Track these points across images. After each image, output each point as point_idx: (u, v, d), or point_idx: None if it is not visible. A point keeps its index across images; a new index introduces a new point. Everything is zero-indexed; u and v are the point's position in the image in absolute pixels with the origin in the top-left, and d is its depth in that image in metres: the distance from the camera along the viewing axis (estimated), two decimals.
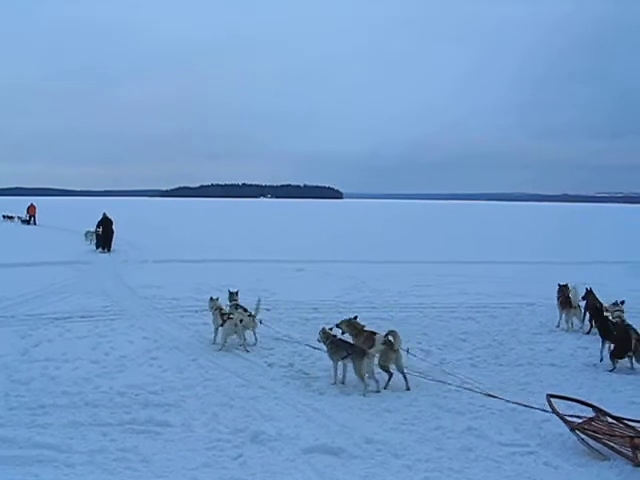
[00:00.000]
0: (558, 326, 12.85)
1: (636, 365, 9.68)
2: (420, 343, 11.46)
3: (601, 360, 10.12)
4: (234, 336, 10.97)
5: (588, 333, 12.30)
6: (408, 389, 8.81)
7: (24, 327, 12.16)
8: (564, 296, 12.83)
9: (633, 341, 9.71)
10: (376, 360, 8.89)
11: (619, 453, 6.51)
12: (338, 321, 10.39)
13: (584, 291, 12.84)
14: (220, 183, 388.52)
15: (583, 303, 12.65)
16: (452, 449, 6.74)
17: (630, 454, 6.38)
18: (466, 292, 17.21)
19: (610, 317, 10.62)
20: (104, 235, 28.58)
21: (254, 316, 11.43)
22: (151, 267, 20.97)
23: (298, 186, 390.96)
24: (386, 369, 8.95)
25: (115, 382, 8.85)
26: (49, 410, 7.73)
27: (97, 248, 28.56)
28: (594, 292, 12.86)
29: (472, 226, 58.79)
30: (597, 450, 6.66)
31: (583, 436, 6.85)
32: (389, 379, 8.93)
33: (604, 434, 6.82)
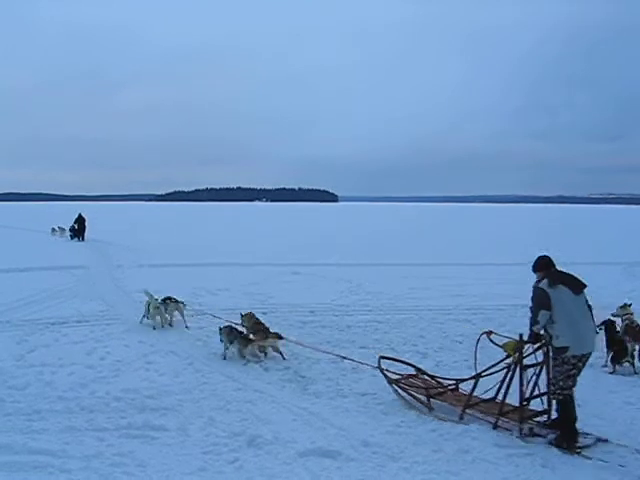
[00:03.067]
0: None
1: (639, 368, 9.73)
2: (416, 345, 11.50)
3: (605, 366, 10.14)
4: (159, 317, 12.90)
5: None
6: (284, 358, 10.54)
7: (19, 332, 12.14)
8: None
9: (629, 347, 9.78)
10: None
11: (419, 401, 8.37)
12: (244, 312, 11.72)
13: None
14: (215, 187, 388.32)
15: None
16: (449, 451, 6.74)
17: (425, 401, 8.27)
18: (462, 294, 17.24)
19: (620, 320, 10.60)
20: (79, 229, 37.70)
21: (181, 302, 13.34)
22: (147, 271, 20.93)
23: (293, 189, 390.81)
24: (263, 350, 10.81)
25: (111, 387, 8.83)
26: (45, 415, 7.71)
27: (72, 238, 37.45)
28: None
29: (467, 228, 58.84)
30: (403, 397, 8.53)
31: (396, 387, 8.72)
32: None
33: (411, 386, 8.66)
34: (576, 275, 7.50)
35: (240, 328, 11.21)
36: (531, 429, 7.37)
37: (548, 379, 7.46)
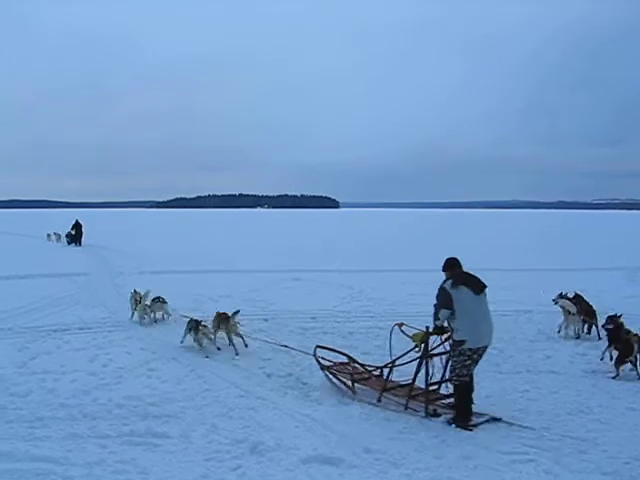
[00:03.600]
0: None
1: None
2: (418, 352, 11.45)
3: (601, 359, 10.12)
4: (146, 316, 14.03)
5: (578, 337, 12.42)
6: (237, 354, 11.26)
7: (21, 339, 12.14)
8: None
9: (635, 346, 9.74)
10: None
11: (345, 385, 9.30)
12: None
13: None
14: (217, 194, 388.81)
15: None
16: (452, 458, 6.73)
17: (350, 385, 9.17)
18: None
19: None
20: (76, 235, 39.34)
21: (164, 301, 14.28)
22: (148, 278, 20.89)
23: (295, 196, 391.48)
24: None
25: (113, 394, 8.82)
26: (47, 423, 7.70)
27: (69, 244, 38.80)
28: (583, 296, 12.99)
29: (468, 234, 58.79)
30: (333, 383, 9.45)
31: (327, 373, 9.63)
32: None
33: (339, 372, 9.56)
34: (478, 277, 8.41)
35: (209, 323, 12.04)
36: (435, 410, 8.26)
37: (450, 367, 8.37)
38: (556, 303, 13.35)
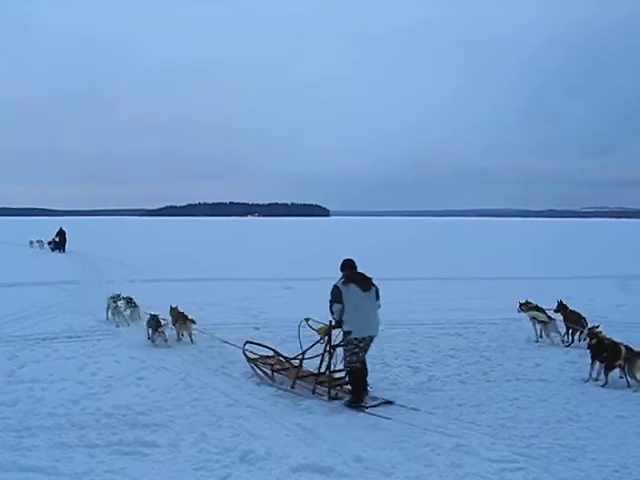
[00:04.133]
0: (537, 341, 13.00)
1: (632, 382, 9.68)
2: (409, 360, 11.48)
3: (587, 380, 10.10)
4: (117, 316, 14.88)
5: (568, 346, 12.46)
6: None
7: (10, 348, 12.08)
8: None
9: (623, 351, 9.74)
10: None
11: (266, 375, 10.36)
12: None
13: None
14: (207, 202, 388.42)
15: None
16: (441, 466, 6.71)
17: (270, 374, 10.31)
18: (454, 308, 17.24)
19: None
20: (60, 241, 41.00)
21: (134, 305, 15.14)
22: (139, 286, 20.84)
23: (285, 204, 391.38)
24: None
25: (102, 403, 8.78)
26: (35, 432, 7.66)
27: (53, 250, 40.52)
28: (567, 305, 13.05)
29: (459, 243, 58.93)
30: (257, 374, 10.52)
31: (252, 365, 10.74)
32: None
33: (263, 364, 10.66)
34: (369, 277, 9.57)
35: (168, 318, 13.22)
36: (336, 394, 9.34)
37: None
38: (520, 312, 13.50)
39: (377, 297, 9.54)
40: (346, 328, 9.12)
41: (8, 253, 39.07)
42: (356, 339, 9.08)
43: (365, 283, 9.42)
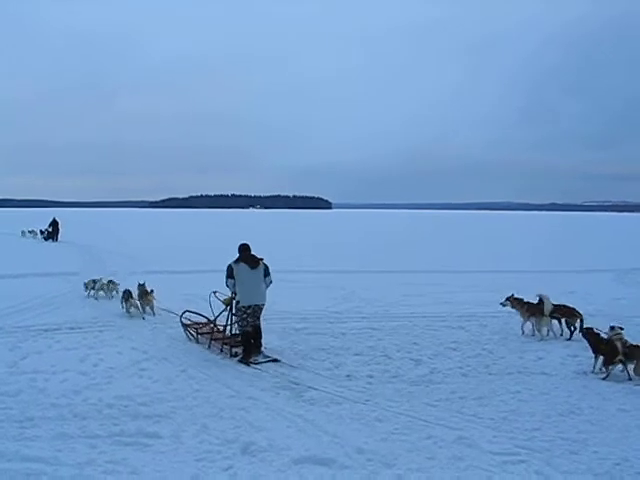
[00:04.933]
0: (523, 334, 13.01)
1: (633, 376, 9.68)
2: (410, 352, 11.47)
3: (592, 371, 10.11)
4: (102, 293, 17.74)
5: (569, 339, 12.50)
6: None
7: (12, 339, 12.10)
8: (527, 303, 13.06)
9: (620, 346, 9.76)
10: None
11: (194, 337, 12.54)
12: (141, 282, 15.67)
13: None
14: (209, 194, 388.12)
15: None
16: (443, 458, 6.71)
17: (196, 336, 12.50)
18: (456, 301, 17.23)
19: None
20: (53, 232, 43.31)
21: (114, 283, 17.92)
22: (141, 278, 20.81)
23: (287, 197, 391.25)
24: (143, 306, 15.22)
25: (104, 394, 8.79)
26: (37, 422, 7.66)
27: (46, 240, 42.80)
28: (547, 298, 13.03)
29: (461, 235, 58.98)
30: (187, 336, 12.73)
31: (185, 329, 12.92)
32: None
33: (194, 330, 12.68)
34: (258, 257, 11.58)
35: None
36: (236, 352, 11.23)
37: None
38: (504, 306, 13.51)
39: (266, 274, 11.57)
40: (237, 298, 11.40)
41: (6, 244, 39.15)
42: (244, 307, 11.25)
43: (253, 262, 11.45)
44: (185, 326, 12.98)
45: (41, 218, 58.68)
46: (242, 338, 11.32)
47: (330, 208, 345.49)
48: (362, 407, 8.44)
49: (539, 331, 12.73)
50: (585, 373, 10.08)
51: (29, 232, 45.54)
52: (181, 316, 13.32)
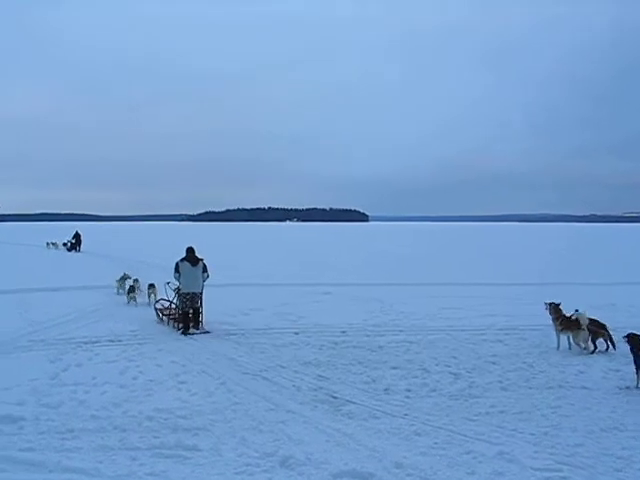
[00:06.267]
0: (558, 348, 12.78)
1: None
2: (449, 366, 11.38)
3: (637, 386, 9.92)
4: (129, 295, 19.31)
5: (592, 353, 12.29)
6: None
7: (54, 351, 12.26)
8: (563, 316, 12.82)
9: None
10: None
11: (162, 319, 16.13)
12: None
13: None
14: (246, 207, 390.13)
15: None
16: (483, 474, 6.64)
17: (162, 318, 16.07)
18: (494, 314, 17.05)
19: None
20: (75, 243, 46.96)
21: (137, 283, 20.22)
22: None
23: (324, 209, 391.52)
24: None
25: (143, 406, 8.86)
26: (78, 434, 7.75)
27: (69, 251, 46.02)
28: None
29: (499, 248, 58.49)
30: (159, 319, 16.31)
31: (158, 314, 16.52)
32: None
33: (163, 313, 16.27)
34: (198, 257, 15.33)
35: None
36: (188, 328, 14.58)
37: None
38: (546, 309, 13.31)
39: (204, 270, 15.26)
40: (181, 287, 15.17)
41: (37, 256, 39.90)
42: (184, 293, 14.99)
43: (194, 261, 15.16)
44: (158, 310, 16.66)
45: (87, 231, 59.63)
46: (182, 316, 14.98)
47: (367, 221, 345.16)
48: (401, 421, 8.39)
49: (578, 345, 12.54)
50: (628, 388, 9.90)
51: (52, 244, 48.87)
52: (155, 303, 17.28)
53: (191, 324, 14.74)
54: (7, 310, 17.33)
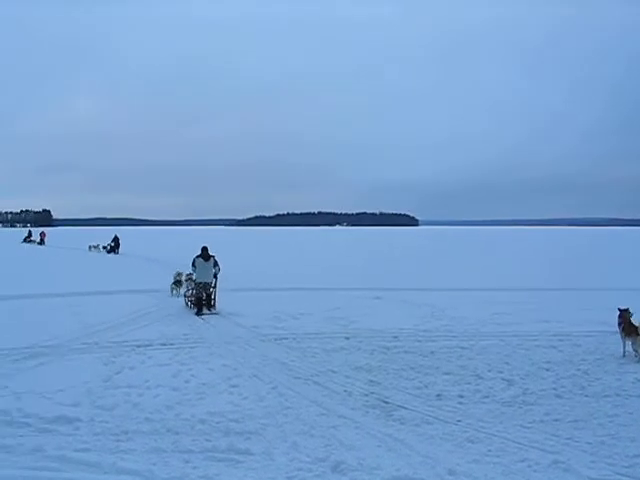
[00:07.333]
0: (624, 356, 12.46)
1: None
2: (502, 372, 11.23)
3: None
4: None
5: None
6: None
7: (107, 354, 12.44)
8: (627, 322, 12.49)
9: None
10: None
11: (187, 304, 19.52)
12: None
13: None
14: (296, 212, 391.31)
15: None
16: None
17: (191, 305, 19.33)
18: (548, 320, 16.79)
19: None
20: (114, 246, 50.36)
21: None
22: (230, 295, 21.07)
23: (374, 214, 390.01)
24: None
25: (196, 409, 8.92)
26: (132, 436, 7.84)
27: (108, 253, 49.48)
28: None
29: (552, 252, 57.64)
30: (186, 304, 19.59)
31: (185, 299, 19.99)
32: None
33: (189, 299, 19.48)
34: (210, 254, 18.75)
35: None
36: (201, 310, 17.80)
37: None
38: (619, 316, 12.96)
39: (215, 264, 18.78)
40: (194, 277, 18.99)
41: (82, 258, 40.72)
42: (197, 283, 18.53)
43: (206, 257, 18.63)
44: (186, 297, 19.86)
45: (134, 236, 60.52)
46: (195, 300, 18.29)
47: (417, 225, 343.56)
48: (453, 427, 8.30)
49: (635, 351, 12.27)
50: None
51: (93, 247, 52.61)
52: (185, 292, 20.27)
53: (204, 307, 18.14)
54: (60, 313, 17.71)
